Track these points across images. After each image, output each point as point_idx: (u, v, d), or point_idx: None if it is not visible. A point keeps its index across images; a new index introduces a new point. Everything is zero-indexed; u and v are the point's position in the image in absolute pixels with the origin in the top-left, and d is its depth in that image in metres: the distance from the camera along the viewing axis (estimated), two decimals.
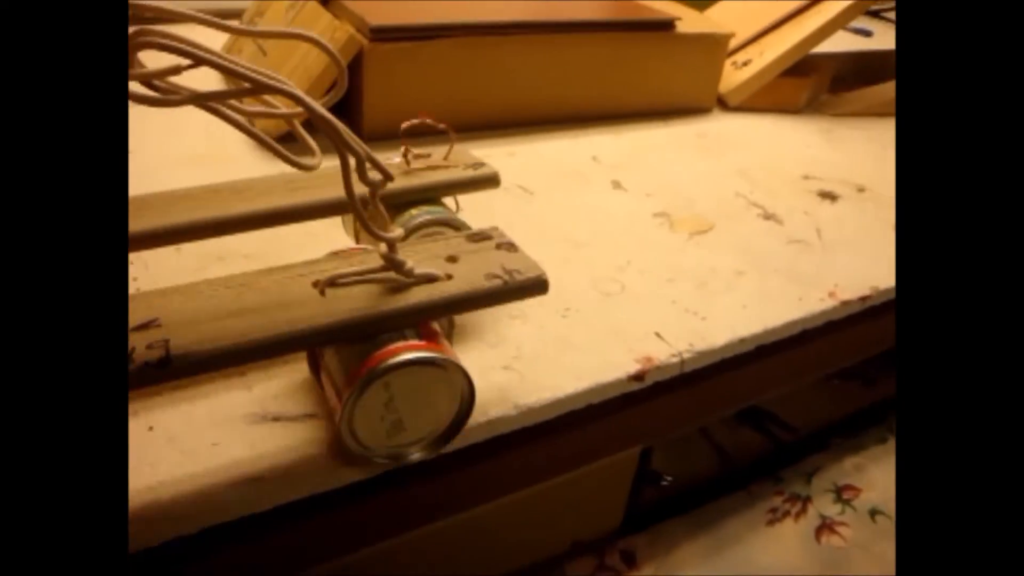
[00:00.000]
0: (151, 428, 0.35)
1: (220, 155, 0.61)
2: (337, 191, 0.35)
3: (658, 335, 0.46)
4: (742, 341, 0.47)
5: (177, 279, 0.35)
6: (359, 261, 0.36)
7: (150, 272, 0.46)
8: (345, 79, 0.32)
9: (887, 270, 0.56)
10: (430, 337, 0.34)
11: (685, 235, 0.58)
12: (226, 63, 0.27)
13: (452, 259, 0.37)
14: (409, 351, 0.32)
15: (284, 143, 0.31)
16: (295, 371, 0.39)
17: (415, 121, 0.42)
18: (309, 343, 0.33)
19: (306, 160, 0.31)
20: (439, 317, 0.36)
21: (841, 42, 1.09)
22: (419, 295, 0.34)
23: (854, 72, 0.97)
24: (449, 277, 0.35)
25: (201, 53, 0.27)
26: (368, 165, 0.31)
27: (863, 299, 0.53)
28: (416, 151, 0.45)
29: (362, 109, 0.65)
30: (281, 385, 0.38)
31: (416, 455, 0.35)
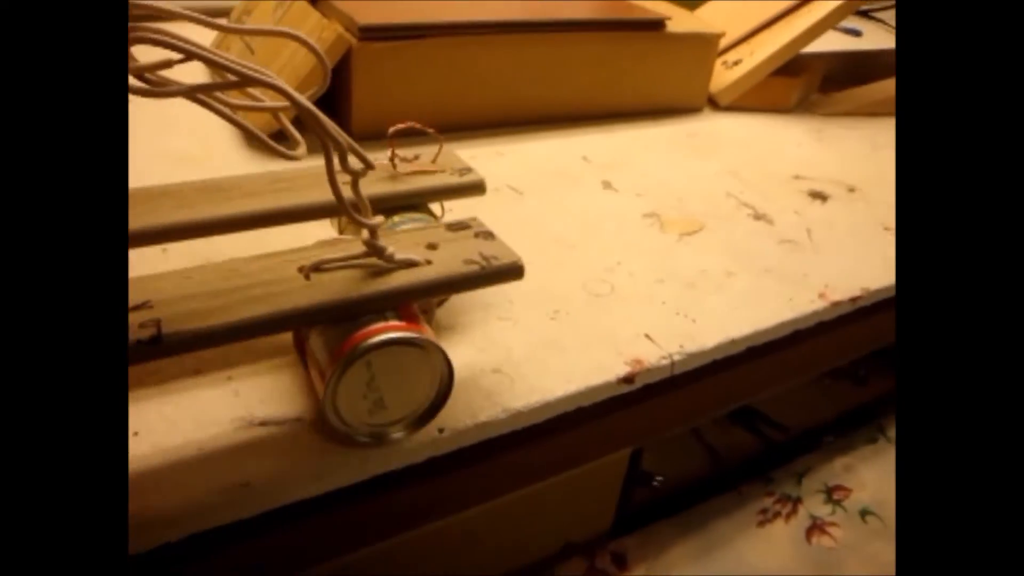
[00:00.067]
0: (136, 433, 0.35)
1: (207, 152, 0.61)
2: (323, 192, 0.35)
3: (648, 337, 0.45)
4: (733, 342, 0.47)
5: None
6: (343, 248, 0.37)
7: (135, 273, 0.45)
8: (328, 74, 0.33)
9: (878, 271, 0.56)
10: (410, 319, 0.35)
11: (675, 235, 0.58)
12: (215, 57, 0.28)
13: (432, 246, 0.38)
14: (390, 331, 0.34)
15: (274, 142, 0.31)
16: (281, 376, 0.39)
17: (402, 126, 0.42)
18: (294, 323, 0.34)
19: (292, 151, 0.32)
20: (419, 299, 0.37)
21: (831, 42, 1.09)
22: (400, 279, 0.35)
23: (844, 72, 0.97)
24: (428, 262, 0.37)
25: (191, 48, 0.28)
26: (350, 155, 0.32)
27: (853, 300, 0.53)
28: (403, 153, 0.45)
29: (351, 108, 0.64)
30: (267, 389, 0.38)
31: (397, 434, 0.36)
